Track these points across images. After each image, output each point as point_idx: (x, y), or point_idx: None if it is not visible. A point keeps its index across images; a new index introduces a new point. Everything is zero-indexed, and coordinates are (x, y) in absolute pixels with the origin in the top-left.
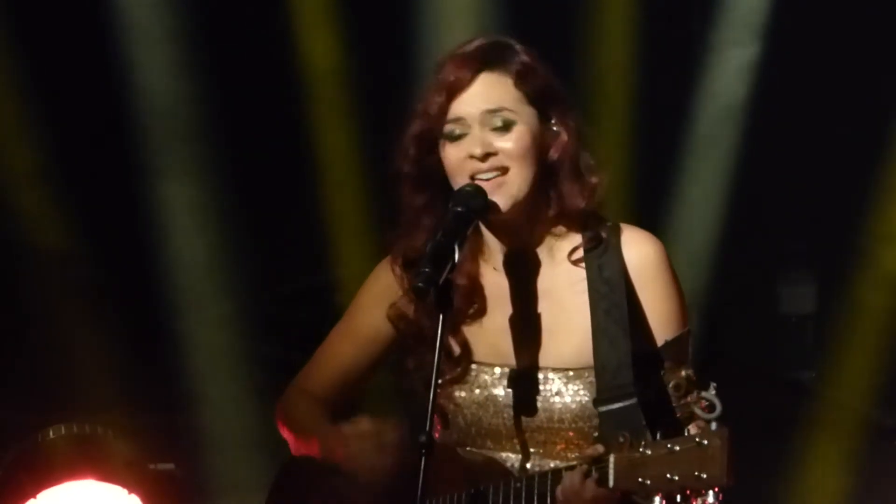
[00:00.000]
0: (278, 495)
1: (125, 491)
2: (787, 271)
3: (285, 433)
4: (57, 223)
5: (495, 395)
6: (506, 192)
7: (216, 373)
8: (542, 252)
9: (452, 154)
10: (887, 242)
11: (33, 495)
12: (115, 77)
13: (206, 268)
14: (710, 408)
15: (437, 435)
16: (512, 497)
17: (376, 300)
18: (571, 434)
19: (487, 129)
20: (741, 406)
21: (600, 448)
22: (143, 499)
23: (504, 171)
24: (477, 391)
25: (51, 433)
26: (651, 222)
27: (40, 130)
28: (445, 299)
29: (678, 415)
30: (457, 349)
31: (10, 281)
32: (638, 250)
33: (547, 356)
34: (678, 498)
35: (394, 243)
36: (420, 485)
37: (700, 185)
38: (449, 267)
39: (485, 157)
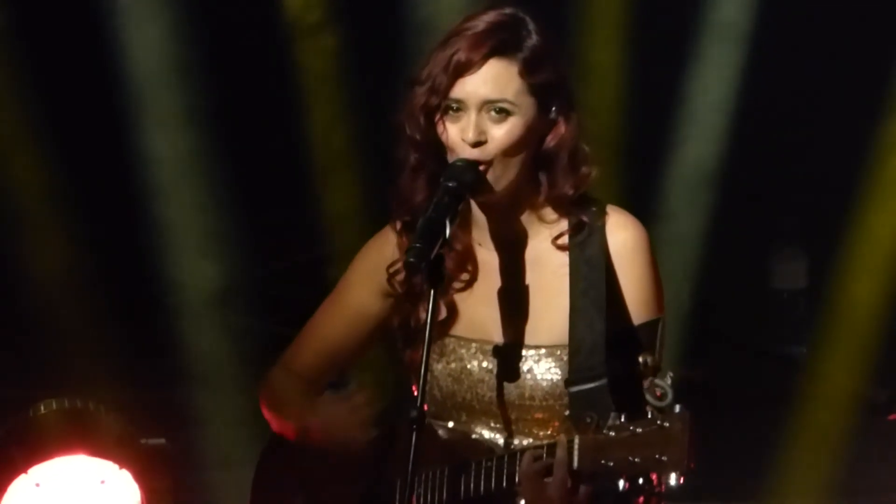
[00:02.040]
0: (266, 469)
1: (116, 466)
2: (779, 247)
3: (267, 413)
4: (50, 201)
5: (469, 369)
6: (492, 178)
7: (208, 348)
8: (527, 233)
9: (449, 130)
10: (878, 217)
11: (24, 470)
12: (106, 57)
13: (199, 243)
14: (663, 396)
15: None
16: (483, 476)
17: (367, 275)
18: (541, 412)
19: (484, 113)
20: (733, 381)
21: (563, 438)
22: (134, 474)
23: (490, 161)
24: (452, 364)
25: (42, 408)
26: (644, 200)
27: (36, 118)
28: (437, 274)
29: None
30: (441, 314)
31: (3, 257)
32: (621, 234)
33: (523, 333)
34: (641, 481)
35: (393, 199)
36: (411, 460)
37: (692, 161)
38: (440, 242)
39: (476, 144)
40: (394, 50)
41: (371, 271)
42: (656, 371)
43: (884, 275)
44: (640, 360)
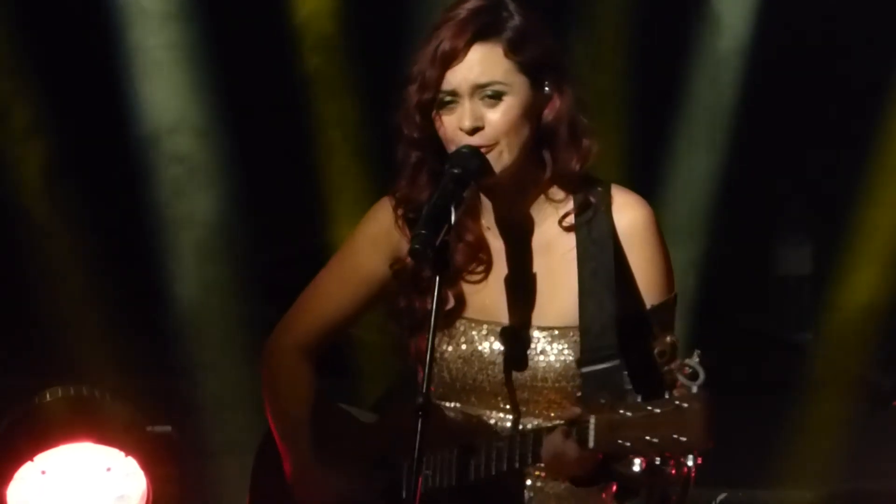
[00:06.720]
0: (267, 454)
1: (122, 453)
2: (785, 233)
3: (264, 395)
4: (52, 189)
5: (480, 351)
6: (495, 161)
7: (213, 335)
8: (534, 214)
9: (445, 123)
10: (883, 203)
11: (31, 458)
12: (110, 48)
13: (202, 231)
14: (693, 375)
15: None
16: (495, 457)
17: (373, 242)
18: (554, 394)
19: (477, 99)
20: (739, 368)
21: (577, 410)
22: (140, 461)
23: (492, 145)
24: (463, 346)
25: (48, 396)
26: (649, 185)
27: (45, 121)
28: (442, 261)
29: (662, 380)
30: (449, 303)
31: (8, 245)
32: (628, 214)
33: (534, 315)
34: (657, 461)
35: (395, 194)
36: (416, 448)
37: (697, 147)
38: (445, 229)
39: (473, 130)
40: (398, 41)
41: (376, 236)
42: (681, 351)
43: (889, 261)
44: (668, 340)
